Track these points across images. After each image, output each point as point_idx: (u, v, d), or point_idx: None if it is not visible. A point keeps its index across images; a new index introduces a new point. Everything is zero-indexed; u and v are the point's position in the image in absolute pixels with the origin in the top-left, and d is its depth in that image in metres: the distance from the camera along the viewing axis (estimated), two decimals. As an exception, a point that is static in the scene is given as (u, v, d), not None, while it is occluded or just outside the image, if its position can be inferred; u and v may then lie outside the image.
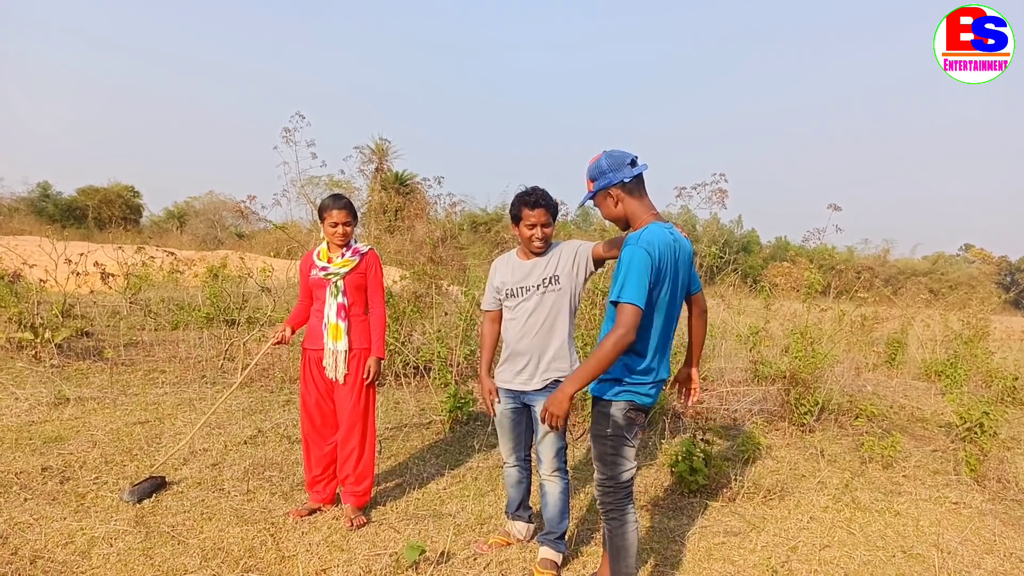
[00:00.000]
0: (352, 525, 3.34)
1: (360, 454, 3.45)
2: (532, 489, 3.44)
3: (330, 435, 3.52)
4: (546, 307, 3.04)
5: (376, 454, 4.46)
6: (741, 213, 37.74)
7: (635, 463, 2.64)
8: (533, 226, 2.99)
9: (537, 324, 3.05)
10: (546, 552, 3.11)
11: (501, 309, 3.21)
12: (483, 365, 3.32)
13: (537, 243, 3.02)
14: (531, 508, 3.44)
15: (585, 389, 2.62)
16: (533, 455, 3.28)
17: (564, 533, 3.16)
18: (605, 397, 2.55)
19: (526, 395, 3.12)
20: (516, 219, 3.06)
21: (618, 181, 2.49)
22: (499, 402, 3.21)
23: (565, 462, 3.16)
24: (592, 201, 2.62)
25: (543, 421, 2.52)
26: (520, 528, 3.36)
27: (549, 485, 3.13)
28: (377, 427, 4.94)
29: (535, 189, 3.03)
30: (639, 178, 2.54)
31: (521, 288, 3.08)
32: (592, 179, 2.55)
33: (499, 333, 3.27)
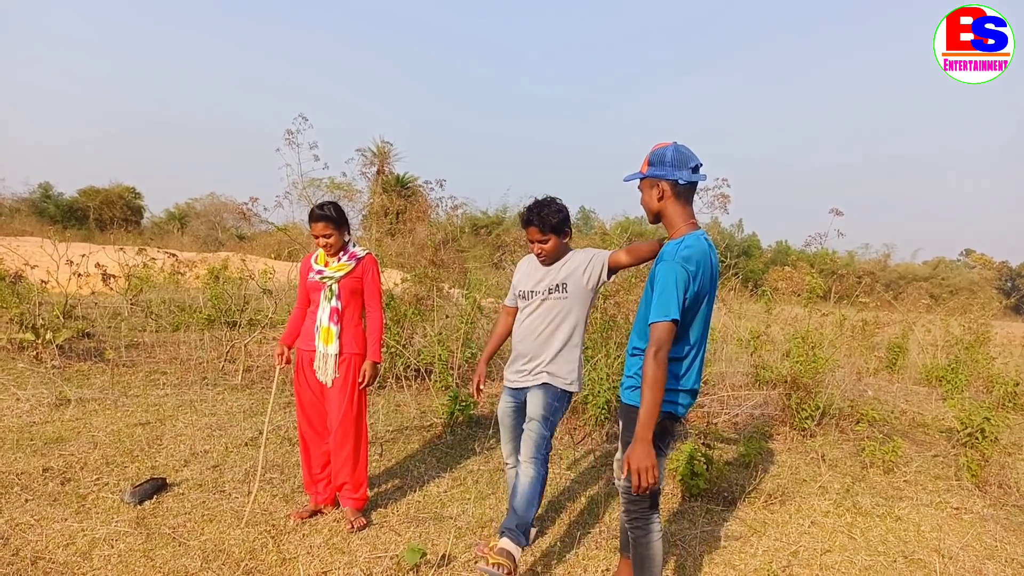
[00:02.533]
0: (353, 527, 3.35)
1: (354, 461, 3.44)
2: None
3: (327, 434, 3.52)
4: (548, 314, 3.10)
5: (369, 457, 4.47)
6: (742, 217, 37.72)
7: (664, 473, 2.61)
8: (531, 241, 3.11)
9: (536, 329, 3.11)
10: (504, 543, 2.90)
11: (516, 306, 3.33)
12: (485, 352, 3.43)
13: (540, 256, 3.13)
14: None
15: (618, 396, 2.62)
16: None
17: (526, 529, 2.98)
18: (638, 404, 2.49)
19: (523, 392, 3.19)
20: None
21: (671, 179, 2.43)
22: (484, 388, 3.39)
23: (545, 453, 3.08)
24: (638, 182, 2.56)
25: (633, 483, 2.27)
26: None
27: (522, 471, 3.05)
28: (379, 430, 4.97)
29: (532, 206, 3.07)
30: (692, 186, 2.49)
31: (530, 292, 3.16)
32: (651, 163, 2.48)
33: (511, 324, 3.34)
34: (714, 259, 2.52)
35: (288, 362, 3.54)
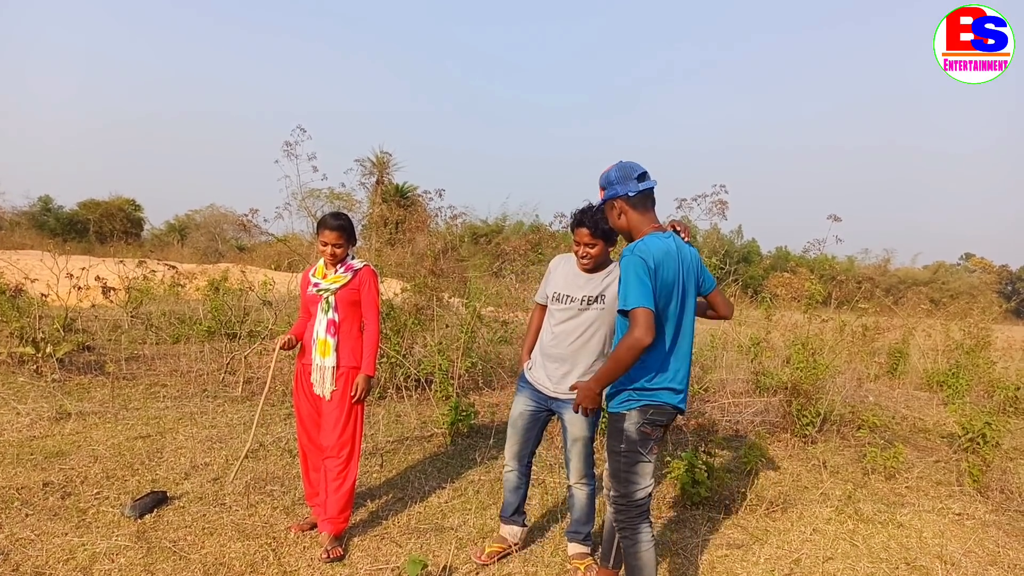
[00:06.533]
0: (328, 556, 3.17)
1: (343, 479, 3.31)
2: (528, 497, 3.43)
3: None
4: (584, 323, 3.11)
5: (369, 470, 4.46)
6: (741, 223, 37.84)
7: (651, 481, 2.63)
8: (578, 244, 3.11)
9: (572, 337, 3.12)
10: (576, 548, 3.30)
11: (546, 303, 3.34)
12: (525, 347, 3.44)
13: (583, 260, 3.12)
14: (525, 513, 3.48)
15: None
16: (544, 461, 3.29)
17: (590, 532, 3.32)
18: (619, 410, 2.56)
19: (554, 401, 3.19)
20: (572, 231, 3.18)
21: (622, 194, 2.56)
22: (525, 369, 3.34)
23: (592, 467, 3.26)
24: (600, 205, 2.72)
25: (575, 411, 2.66)
26: (515, 532, 3.40)
27: (577, 491, 3.26)
28: (379, 440, 4.97)
29: (585, 209, 3.08)
30: (645, 193, 2.59)
31: (567, 296, 3.16)
32: (602, 188, 2.63)
33: (543, 319, 3.37)
34: (684, 256, 2.59)
35: (290, 347, 3.47)
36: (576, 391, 2.67)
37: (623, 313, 2.45)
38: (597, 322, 3.10)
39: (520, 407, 3.29)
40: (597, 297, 3.09)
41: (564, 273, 3.24)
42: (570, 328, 3.12)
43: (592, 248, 3.06)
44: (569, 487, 3.27)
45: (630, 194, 2.56)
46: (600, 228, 3.03)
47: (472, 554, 3.28)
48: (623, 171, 2.57)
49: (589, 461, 3.22)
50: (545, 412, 3.27)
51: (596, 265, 3.13)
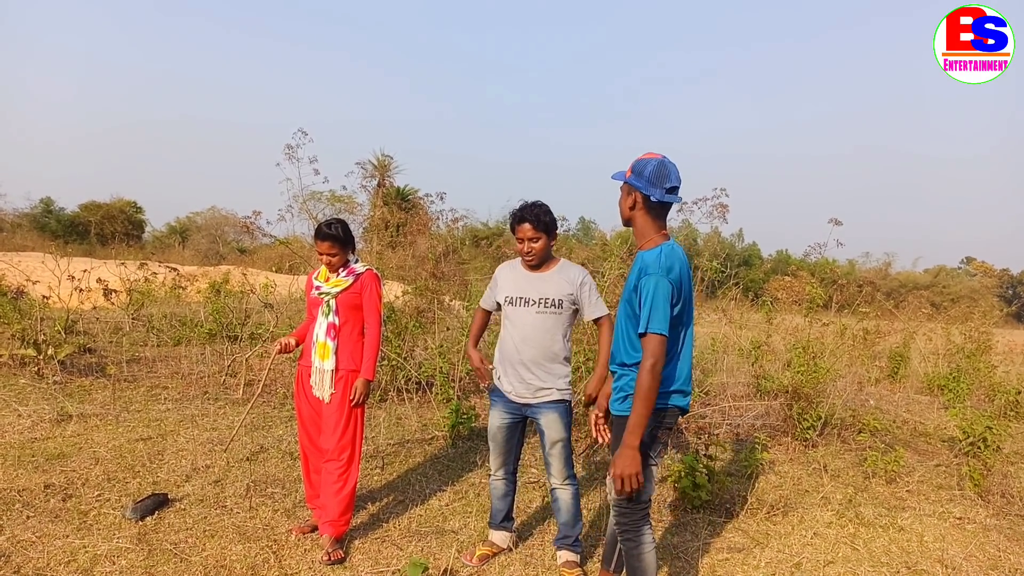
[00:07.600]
0: (329, 559, 3.17)
1: (344, 482, 3.32)
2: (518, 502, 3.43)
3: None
4: (544, 326, 3.13)
5: (371, 472, 4.46)
6: (742, 227, 37.87)
7: (654, 483, 2.63)
8: (521, 240, 3.14)
9: (534, 341, 3.14)
10: (567, 555, 3.25)
11: (492, 310, 3.40)
12: (470, 341, 3.47)
13: (527, 256, 3.16)
14: (514, 519, 3.50)
15: (605, 407, 2.71)
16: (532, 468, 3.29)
17: (579, 535, 3.30)
18: (628, 414, 2.54)
19: (528, 408, 3.21)
20: (513, 232, 3.21)
21: (646, 194, 2.51)
22: (494, 379, 3.32)
23: (572, 467, 3.27)
24: (621, 182, 2.63)
25: (616, 487, 2.36)
26: (505, 537, 3.43)
27: (562, 493, 3.24)
28: (380, 443, 4.97)
29: (527, 203, 3.14)
30: (665, 205, 2.56)
31: (521, 299, 3.17)
32: (633, 171, 2.55)
33: (487, 321, 3.46)
34: (686, 264, 2.59)
35: (287, 351, 3.52)
36: (611, 462, 2.44)
37: (641, 335, 2.41)
38: (556, 325, 3.13)
39: (497, 420, 3.31)
40: (555, 302, 3.12)
41: (512, 278, 3.25)
42: (530, 334, 3.13)
43: (536, 243, 3.11)
44: (553, 489, 3.27)
45: (652, 199, 2.51)
46: (542, 221, 3.09)
47: (463, 556, 3.30)
48: (660, 174, 2.48)
49: (569, 461, 3.24)
50: (521, 420, 3.29)
51: (540, 261, 3.17)
